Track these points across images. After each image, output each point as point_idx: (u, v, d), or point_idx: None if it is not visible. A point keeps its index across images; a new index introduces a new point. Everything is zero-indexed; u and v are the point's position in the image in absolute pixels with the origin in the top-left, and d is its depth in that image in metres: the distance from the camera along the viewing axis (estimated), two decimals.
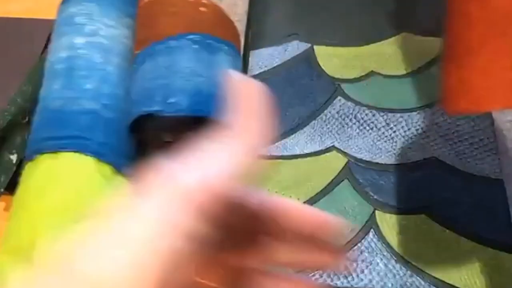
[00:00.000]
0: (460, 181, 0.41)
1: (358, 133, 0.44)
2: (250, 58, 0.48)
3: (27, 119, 0.45)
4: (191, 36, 0.42)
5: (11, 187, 0.44)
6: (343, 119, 0.44)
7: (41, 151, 0.39)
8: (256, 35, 0.50)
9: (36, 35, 0.53)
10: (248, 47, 0.49)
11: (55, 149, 0.38)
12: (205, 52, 0.42)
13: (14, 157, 0.44)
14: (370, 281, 0.39)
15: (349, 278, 0.39)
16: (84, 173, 0.38)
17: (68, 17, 0.44)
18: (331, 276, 0.39)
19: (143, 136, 0.42)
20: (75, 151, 0.38)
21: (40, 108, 0.41)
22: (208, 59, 0.42)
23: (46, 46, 0.51)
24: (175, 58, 0.41)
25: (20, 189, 0.39)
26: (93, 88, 0.41)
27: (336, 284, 0.39)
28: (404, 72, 0.46)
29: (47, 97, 0.41)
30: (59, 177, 0.38)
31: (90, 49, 0.43)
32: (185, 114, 0.39)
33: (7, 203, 0.48)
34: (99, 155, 0.39)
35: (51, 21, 0.54)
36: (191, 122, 0.41)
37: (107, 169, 0.39)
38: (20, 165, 0.44)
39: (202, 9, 0.45)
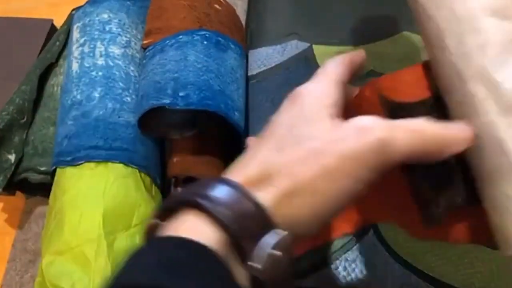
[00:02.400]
0: None
1: None
2: (249, 58, 0.48)
3: (25, 119, 0.45)
4: (201, 32, 0.43)
5: (9, 187, 0.44)
6: None
7: (90, 159, 0.39)
8: (255, 35, 0.49)
9: (35, 35, 0.53)
10: (247, 47, 0.49)
11: (106, 159, 0.39)
12: (215, 49, 0.43)
13: (12, 157, 0.43)
14: (370, 281, 0.39)
15: (348, 279, 0.39)
16: (132, 184, 0.39)
17: (100, 22, 0.44)
18: (331, 276, 0.39)
19: (150, 134, 0.42)
20: (123, 163, 0.40)
21: (76, 112, 0.41)
22: (217, 56, 0.42)
23: (44, 46, 0.51)
24: (185, 53, 0.42)
25: (63, 193, 0.39)
26: (132, 101, 0.42)
27: (336, 284, 0.39)
28: None
29: (86, 103, 0.41)
30: (109, 185, 0.38)
31: (125, 60, 0.43)
32: (195, 108, 0.39)
33: (5, 203, 0.48)
34: (141, 168, 0.40)
35: (50, 20, 0.54)
36: (198, 119, 0.41)
37: (148, 180, 0.41)
38: (18, 165, 0.44)
39: (216, 6, 0.45)
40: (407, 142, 0.22)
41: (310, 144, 0.23)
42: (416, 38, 0.48)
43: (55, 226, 0.38)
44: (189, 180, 0.42)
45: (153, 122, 0.41)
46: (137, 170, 0.40)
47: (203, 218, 0.21)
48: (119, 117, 0.41)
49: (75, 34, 0.45)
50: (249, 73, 0.47)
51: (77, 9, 0.48)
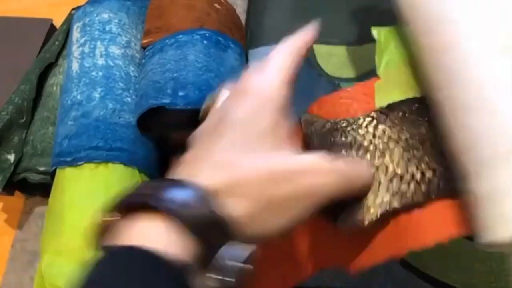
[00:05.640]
0: None
1: None
2: (249, 57, 0.48)
3: (24, 119, 0.45)
4: (201, 32, 0.43)
5: (8, 187, 0.44)
6: None
7: (90, 159, 0.39)
8: (255, 34, 0.49)
9: (34, 34, 0.53)
10: (247, 46, 0.49)
11: (106, 160, 0.39)
12: (215, 48, 0.43)
13: (11, 157, 0.43)
14: (370, 281, 0.39)
15: (349, 279, 0.39)
16: (132, 185, 0.39)
17: (100, 22, 0.44)
18: (331, 277, 0.39)
19: (150, 134, 0.42)
20: (124, 163, 0.40)
21: (76, 112, 0.41)
22: (217, 55, 0.42)
23: (44, 45, 0.51)
24: (185, 52, 0.41)
25: (63, 193, 0.39)
26: (132, 102, 0.42)
27: (336, 285, 0.39)
28: None
29: (86, 104, 0.41)
30: (110, 185, 0.39)
31: (125, 61, 0.43)
32: (194, 108, 0.39)
33: (4, 203, 0.48)
34: (141, 168, 0.41)
35: (49, 20, 0.54)
36: (197, 119, 0.41)
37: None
38: (17, 165, 0.43)
39: (216, 5, 0.45)
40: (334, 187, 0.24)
41: (274, 164, 0.23)
42: None
43: (55, 227, 0.38)
44: None
45: (152, 122, 0.41)
46: (137, 171, 0.40)
47: (163, 224, 0.20)
48: (119, 117, 0.41)
49: (75, 34, 0.45)
50: None
51: (76, 9, 0.48)
